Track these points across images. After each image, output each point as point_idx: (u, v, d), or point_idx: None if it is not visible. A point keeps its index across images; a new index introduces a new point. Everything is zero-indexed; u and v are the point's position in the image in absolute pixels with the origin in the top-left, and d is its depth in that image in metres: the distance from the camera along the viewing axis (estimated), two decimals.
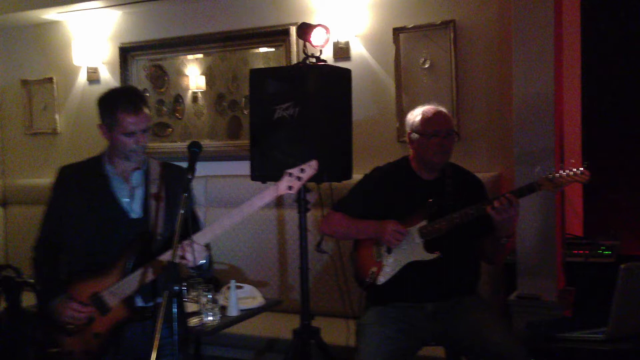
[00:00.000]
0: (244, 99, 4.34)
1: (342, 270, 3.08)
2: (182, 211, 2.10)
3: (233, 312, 3.05)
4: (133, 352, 2.31)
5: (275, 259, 4.00)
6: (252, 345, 3.58)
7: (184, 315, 2.46)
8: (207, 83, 4.50)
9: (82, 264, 2.30)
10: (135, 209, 2.33)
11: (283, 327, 3.46)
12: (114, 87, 2.48)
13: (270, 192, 2.18)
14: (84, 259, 2.30)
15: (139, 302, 2.29)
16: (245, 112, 4.34)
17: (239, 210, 2.20)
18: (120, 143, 2.28)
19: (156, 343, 1.92)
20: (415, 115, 2.62)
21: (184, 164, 2.27)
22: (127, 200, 2.33)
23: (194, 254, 2.14)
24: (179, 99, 4.58)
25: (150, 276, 2.22)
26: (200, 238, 2.21)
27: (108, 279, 2.24)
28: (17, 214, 4.99)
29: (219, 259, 4.11)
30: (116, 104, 2.28)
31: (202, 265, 2.26)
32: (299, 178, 2.16)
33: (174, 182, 2.40)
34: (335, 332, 3.21)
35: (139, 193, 2.35)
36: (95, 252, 2.28)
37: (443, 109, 2.64)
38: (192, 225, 2.20)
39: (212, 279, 3.73)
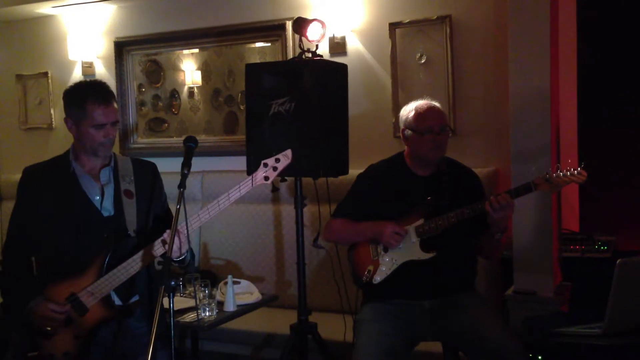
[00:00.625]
0: (240, 94, 4.33)
1: (339, 266, 3.07)
2: (178, 206, 2.10)
3: (230, 307, 3.05)
4: (112, 350, 2.29)
5: (272, 254, 3.99)
6: (249, 341, 3.58)
7: (163, 311, 2.45)
8: (203, 78, 4.48)
9: (55, 265, 2.26)
10: (106, 207, 2.30)
11: (280, 322, 3.46)
12: (81, 81, 2.45)
13: (247, 183, 2.17)
14: (56, 260, 2.27)
15: (117, 301, 2.27)
16: (242, 107, 4.33)
17: (216, 203, 2.19)
18: (89, 136, 2.24)
19: (153, 338, 1.91)
20: (408, 111, 2.61)
21: (180, 159, 2.25)
22: (98, 198, 2.29)
23: (179, 243, 2.14)
24: (174, 94, 4.56)
25: (133, 270, 2.19)
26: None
27: (84, 279, 2.20)
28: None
29: (215, 254, 4.11)
30: (85, 96, 2.24)
31: (184, 258, 2.25)
32: (274, 168, 2.16)
33: (144, 178, 2.40)
34: (332, 327, 3.21)
35: (109, 190, 2.32)
36: (68, 252, 2.24)
37: (436, 104, 2.62)
38: (166, 220, 2.24)
39: (209, 274, 3.75)
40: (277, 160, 2.16)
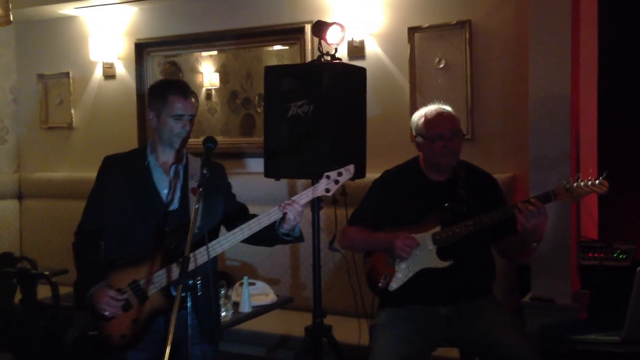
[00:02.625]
0: (257, 97, 4.36)
1: (355, 269, 3.07)
2: (196, 206, 2.13)
3: (245, 308, 3.07)
4: (161, 341, 2.32)
5: (287, 257, 4.00)
6: (263, 342, 3.59)
7: (218, 309, 2.53)
8: (221, 80, 4.51)
9: (120, 252, 2.37)
10: (173, 201, 2.39)
11: (295, 324, 3.47)
12: (164, 78, 2.62)
13: (308, 193, 2.26)
14: (123, 247, 2.37)
15: (174, 292, 2.32)
16: (259, 110, 4.35)
17: (273, 212, 2.26)
18: (168, 127, 2.37)
19: (170, 336, 1.94)
20: (418, 118, 2.59)
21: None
22: (166, 191, 2.40)
23: (294, 213, 2.24)
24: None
25: (190, 267, 2.24)
26: (237, 235, 2.27)
27: (147, 268, 2.30)
28: (33, 207, 5.04)
29: (231, 255, 4.13)
30: (168, 88, 2.42)
31: (295, 227, 2.33)
32: (336, 181, 2.24)
33: (213, 178, 2.43)
34: (347, 330, 3.21)
35: (178, 186, 2.41)
36: (134, 241, 2.35)
37: (447, 109, 2.58)
38: (242, 213, 2.39)
39: (224, 275, 3.76)
40: (340, 174, 2.25)
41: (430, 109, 2.58)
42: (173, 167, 2.43)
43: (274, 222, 2.27)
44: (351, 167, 2.25)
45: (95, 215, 2.45)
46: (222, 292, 3.02)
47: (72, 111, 4.97)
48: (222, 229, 2.47)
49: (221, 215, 2.46)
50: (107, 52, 4.71)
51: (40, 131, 5.13)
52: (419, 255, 2.47)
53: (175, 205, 2.39)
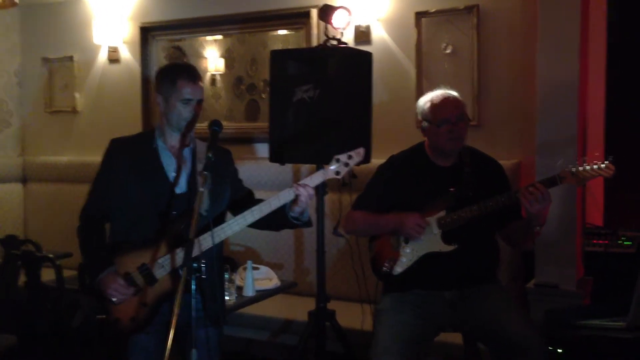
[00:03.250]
0: (262, 83, 4.34)
1: (359, 255, 3.07)
2: (201, 189, 2.13)
3: (249, 292, 3.08)
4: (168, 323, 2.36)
5: (291, 242, 4.00)
6: (267, 326, 3.60)
7: (222, 293, 2.54)
8: (226, 66, 4.49)
9: (127, 235, 2.37)
10: (180, 184, 2.39)
11: (298, 309, 3.48)
12: (173, 62, 2.62)
13: (318, 176, 2.25)
14: (130, 230, 2.37)
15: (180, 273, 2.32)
16: (264, 95, 4.33)
17: (287, 192, 2.25)
18: (176, 111, 2.36)
19: (174, 319, 1.94)
20: (424, 103, 2.58)
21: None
22: (174, 174, 2.39)
23: (306, 195, 2.23)
24: None
25: (205, 247, 2.26)
26: (248, 217, 2.27)
27: (156, 251, 2.30)
28: (36, 190, 5.05)
29: (235, 240, 4.13)
30: (176, 72, 2.41)
31: (304, 210, 2.32)
32: (346, 164, 2.23)
33: (220, 163, 2.45)
34: (350, 315, 3.22)
35: (185, 169, 2.41)
36: (142, 224, 2.35)
37: (453, 93, 2.57)
38: (249, 199, 2.38)
39: (228, 259, 3.77)
40: (350, 157, 2.24)
41: (436, 93, 2.57)
42: (182, 150, 2.42)
43: (284, 205, 2.27)
44: (361, 150, 2.24)
45: (101, 198, 2.44)
46: (226, 276, 3.02)
47: (76, 95, 4.95)
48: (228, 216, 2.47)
49: (228, 200, 2.46)
50: (111, 36, 4.69)
51: (45, 115, 5.12)
52: (424, 239, 2.47)
53: (182, 188, 2.39)
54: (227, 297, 2.98)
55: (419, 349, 2.40)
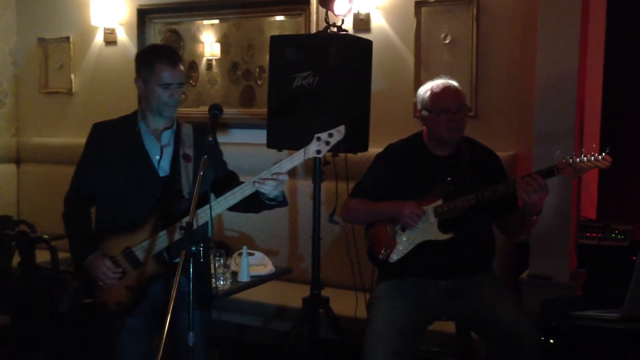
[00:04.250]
0: (258, 69, 4.32)
1: (354, 243, 3.08)
2: (200, 172, 2.12)
3: (244, 277, 3.08)
4: (157, 306, 2.38)
5: (286, 228, 4.01)
6: (260, 312, 3.61)
7: (209, 276, 2.51)
8: (222, 51, 4.47)
9: (112, 218, 2.37)
10: (163, 167, 2.39)
11: (292, 295, 3.49)
12: (152, 44, 2.59)
13: (299, 155, 2.22)
14: (115, 214, 2.37)
15: (166, 258, 2.34)
16: (259, 82, 4.32)
17: (268, 172, 2.22)
18: (156, 95, 2.34)
19: (172, 302, 1.94)
20: (424, 91, 2.58)
21: None
22: (157, 157, 2.39)
23: (270, 187, 2.20)
24: (193, 65, 4.55)
25: (179, 234, 2.27)
26: (230, 199, 2.26)
27: (140, 235, 2.30)
28: (30, 171, 5.02)
29: (230, 225, 4.13)
30: (155, 56, 2.38)
31: (277, 196, 2.31)
32: (327, 142, 2.20)
33: (204, 144, 2.43)
34: (344, 303, 3.23)
35: (168, 151, 2.40)
36: (126, 207, 2.35)
37: (453, 83, 2.57)
38: (231, 181, 2.34)
39: (222, 245, 3.78)
40: (330, 135, 2.20)
41: (437, 82, 2.57)
42: (164, 133, 2.41)
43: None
44: (342, 128, 2.20)
45: (85, 183, 2.43)
46: (221, 261, 3.02)
47: (72, 76, 4.92)
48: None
49: (211, 181, 2.43)
50: (108, 18, 4.65)
51: (40, 96, 5.08)
52: (420, 227, 2.48)
53: (166, 171, 2.38)
54: (221, 282, 2.98)
55: (413, 337, 2.40)
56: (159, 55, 2.37)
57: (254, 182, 2.21)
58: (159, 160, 2.38)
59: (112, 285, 2.32)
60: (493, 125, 3.62)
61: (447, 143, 2.57)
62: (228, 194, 2.25)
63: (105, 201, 2.40)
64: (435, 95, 2.52)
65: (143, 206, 2.32)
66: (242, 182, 2.32)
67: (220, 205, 2.27)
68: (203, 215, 2.25)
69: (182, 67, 2.39)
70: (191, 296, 2.08)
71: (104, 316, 2.38)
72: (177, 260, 2.30)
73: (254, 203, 2.32)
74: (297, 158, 2.21)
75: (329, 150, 2.23)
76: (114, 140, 2.40)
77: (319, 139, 2.20)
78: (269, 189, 2.21)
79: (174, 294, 1.96)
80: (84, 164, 2.46)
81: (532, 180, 2.29)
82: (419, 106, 2.61)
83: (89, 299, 2.38)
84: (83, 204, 2.45)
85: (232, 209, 2.32)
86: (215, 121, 2.27)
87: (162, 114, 2.38)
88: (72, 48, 4.87)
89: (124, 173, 2.35)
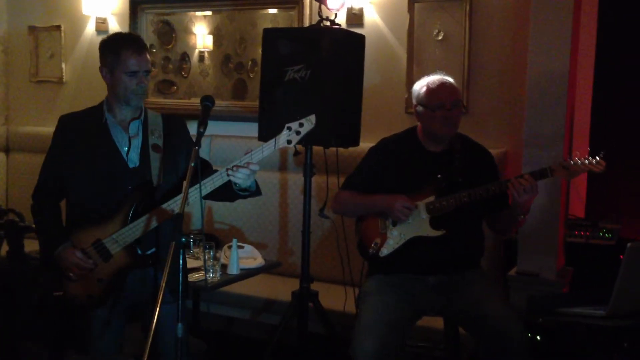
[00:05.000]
0: (250, 62, 4.31)
1: (344, 237, 3.09)
2: (192, 164, 2.11)
3: (234, 270, 3.08)
4: (131, 298, 2.37)
5: (276, 222, 4.01)
6: (249, 305, 3.62)
7: (185, 267, 2.48)
8: (215, 43, 4.45)
9: (83, 211, 2.34)
10: (132, 158, 2.35)
11: (281, 289, 3.50)
12: (116, 32, 2.55)
13: (269, 145, 2.19)
14: (85, 206, 2.34)
15: (138, 250, 2.32)
16: (251, 75, 4.31)
17: (239, 162, 2.20)
18: (122, 84, 2.30)
19: (161, 293, 1.93)
20: (420, 87, 2.58)
21: (188, 122, 2.25)
22: (126, 149, 2.35)
23: (242, 177, 2.17)
24: (185, 57, 4.53)
25: (153, 224, 2.25)
26: (206, 187, 2.22)
27: (109, 227, 2.28)
28: (20, 160, 4.99)
29: (220, 218, 4.13)
30: (120, 44, 2.33)
31: (250, 186, 2.28)
32: (297, 132, 2.17)
33: (173, 133, 2.44)
34: (333, 297, 3.24)
35: (136, 142, 2.37)
36: (96, 199, 2.31)
37: (449, 79, 2.58)
38: (204, 169, 2.24)
39: (212, 237, 3.76)
40: (301, 125, 2.18)
41: (433, 78, 2.57)
42: (132, 123, 2.37)
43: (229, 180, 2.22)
44: (312, 117, 2.18)
45: (54, 176, 2.40)
46: (211, 253, 3.02)
47: (63, 65, 4.88)
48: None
49: (183, 170, 2.41)
50: (100, 7, 4.62)
51: (30, 84, 5.04)
52: (411, 222, 2.49)
53: (135, 162, 2.35)
54: (210, 275, 2.98)
55: (402, 331, 2.42)
56: (124, 42, 2.33)
57: (227, 169, 2.18)
58: (128, 152, 2.35)
59: (82, 277, 2.29)
60: (484, 122, 3.63)
61: (441, 139, 2.57)
62: (202, 182, 2.19)
63: (74, 194, 2.37)
64: (430, 91, 2.53)
65: (113, 198, 2.29)
66: (216, 171, 2.26)
67: (193, 194, 2.21)
68: (174, 206, 2.23)
69: (148, 55, 2.35)
70: (180, 287, 2.07)
71: (74, 309, 2.35)
72: (150, 252, 2.32)
73: (228, 192, 2.29)
74: (267, 148, 2.18)
75: (299, 142, 2.22)
76: (81, 133, 2.36)
77: (289, 128, 2.17)
78: (241, 177, 2.18)
79: (163, 284, 1.94)
80: (52, 157, 2.42)
81: (524, 181, 2.32)
82: (414, 101, 2.62)
83: (58, 291, 2.34)
84: (52, 196, 2.42)
85: (207, 197, 2.28)
86: (207, 112, 2.25)
87: (130, 102, 2.33)
88: (63, 37, 4.84)
89: (92, 166, 2.32)
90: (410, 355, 2.91)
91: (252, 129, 3.22)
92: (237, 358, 3.57)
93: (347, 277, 3.07)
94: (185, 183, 2.10)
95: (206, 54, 4.48)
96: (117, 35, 2.40)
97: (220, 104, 4.35)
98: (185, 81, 4.55)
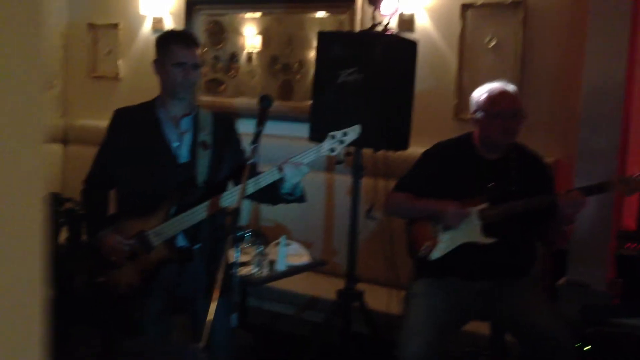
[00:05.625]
0: (297, 64, 4.37)
1: (390, 239, 3.12)
2: (250, 161, 2.18)
3: (281, 266, 3.14)
4: (171, 292, 2.43)
5: (322, 222, 4.06)
6: (294, 301, 3.67)
7: (226, 262, 2.55)
8: (263, 44, 4.53)
9: (130, 203, 2.41)
10: (182, 154, 2.41)
11: (325, 287, 3.53)
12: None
13: (312, 152, 2.26)
14: (131, 199, 2.41)
15: (182, 243, 2.39)
16: (298, 76, 4.37)
17: (272, 172, 2.27)
18: (171, 76, 2.36)
19: (217, 286, 2.00)
20: (481, 94, 2.59)
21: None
22: (177, 144, 2.41)
23: (292, 171, 2.23)
24: (234, 57, 4.63)
25: (198, 218, 2.31)
26: (258, 184, 2.28)
27: (153, 220, 2.34)
28: (76, 152, 5.16)
29: (266, 215, 4.19)
30: (171, 37, 2.44)
31: (297, 185, 2.32)
32: (341, 142, 2.23)
33: (223, 131, 2.50)
34: (377, 298, 3.26)
35: (187, 138, 2.43)
36: (143, 193, 2.38)
37: (511, 88, 2.58)
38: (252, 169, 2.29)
39: (258, 234, 3.84)
40: (345, 134, 2.24)
41: (495, 85, 2.58)
42: (183, 120, 2.43)
43: (277, 181, 2.27)
44: (357, 127, 2.23)
45: (104, 168, 2.49)
46: (260, 249, 3.09)
47: (119, 62, 5.04)
48: None
49: (229, 169, 2.47)
50: (157, 6, 4.75)
51: (88, 79, 5.21)
52: (463, 228, 2.50)
53: (184, 158, 2.41)
54: (257, 269, 3.05)
55: (448, 335, 2.43)
56: (175, 36, 2.43)
57: (278, 166, 2.23)
58: (178, 147, 2.41)
59: (121, 262, 2.35)
60: (535, 131, 3.59)
61: (498, 147, 2.57)
62: (249, 181, 2.24)
63: (123, 186, 2.44)
64: (492, 98, 2.53)
65: (160, 192, 2.35)
66: (261, 172, 2.31)
67: (235, 193, 2.27)
68: (225, 201, 2.28)
69: (197, 51, 2.41)
70: (232, 282, 2.14)
71: (115, 297, 2.43)
72: (197, 246, 2.39)
73: (273, 194, 2.33)
74: (309, 155, 2.25)
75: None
76: (134, 126, 2.43)
77: (333, 137, 2.23)
78: (289, 173, 2.22)
79: (219, 277, 2.00)
80: (104, 148, 2.51)
81: (573, 195, 2.34)
82: (473, 107, 2.61)
83: (101, 277, 2.41)
84: (101, 185, 2.50)
85: (251, 196, 2.33)
86: (266, 111, 2.32)
87: (177, 95, 2.39)
88: (120, 35, 4.99)
89: (142, 159, 2.38)
90: (454, 359, 2.92)
91: (297, 128, 3.26)
92: (280, 352, 3.63)
93: (392, 278, 3.10)
94: (244, 179, 2.17)
95: (254, 55, 4.56)
96: (170, 31, 2.54)
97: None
98: (233, 81, 4.64)
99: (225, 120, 2.55)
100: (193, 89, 2.45)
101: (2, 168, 0.55)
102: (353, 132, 2.23)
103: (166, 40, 2.42)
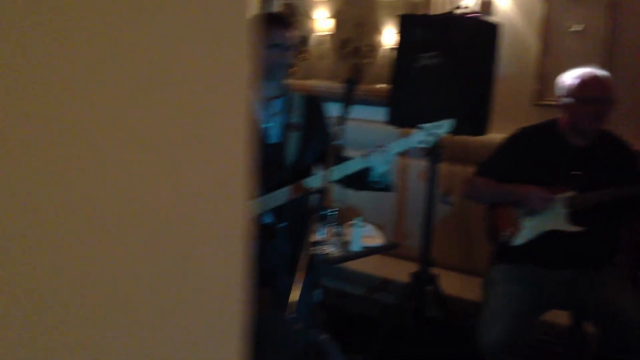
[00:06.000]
0: (366, 47, 4.36)
1: (465, 224, 3.10)
2: (335, 142, 2.21)
3: (355, 247, 3.17)
4: (263, 265, 2.47)
5: (394, 205, 4.07)
6: (365, 283, 3.71)
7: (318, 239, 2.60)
8: (334, 27, 4.54)
9: None
10: (272, 135, 2.44)
11: (396, 270, 3.56)
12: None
13: (403, 143, 2.27)
14: None
15: (268, 220, 2.43)
16: (368, 60, 4.37)
17: (359, 159, 2.29)
18: (265, 57, 2.36)
19: (305, 262, 2.05)
20: (572, 79, 2.53)
21: None
22: (270, 124, 2.43)
23: (379, 159, 2.25)
24: (304, 40, 4.66)
25: (287, 198, 2.34)
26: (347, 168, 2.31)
27: None
28: None
29: (339, 197, 4.23)
30: (267, 20, 2.43)
31: (385, 174, 2.33)
32: (432, 134, 2.23)
33: (313, 113, 2.52)
34: (450, 283, 3.26)
35: (277, 120, 2.45)
36: None
37: (603, 74, 2.51)
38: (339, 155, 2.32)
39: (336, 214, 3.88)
40: (436, 127, 2.24)
41: (586, 71, 2.52)
42: (275, 101, 2.44)
43: (364, 168, 2.28)
44: (449, 121, 2.22)
45: None
46: (337, 229, 3.13)
47: None
48: None
49: (318, 151, 2.48)
50: None
51: None
52: (548, 215, 2.47)
53: (274, 139, 2.42)
54: (333, 249, 3.10)
55: (528, 322, 2.42)
56: (270, 19, 2.44)
57: (366, 154, 2.25)
58: (269, 128, 2.43)
59: None
60: (621, 119, 3.47)
61: (586, 134, 2.52)
62: (335, 167, 2.25)
63: None
64: (584, 83, 2.48)
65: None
66: (347, 158, 2.33)
67: (327, 174, 2.25)
68: (311, 184, 2.31)
69: (292, 32, 2.39)
70: (316, 257, 2.18)
71: None
72: (282, 224, 2.42)
73: (359, 181, 2.34)
74: (398, 146, 2.27)
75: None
76: None
77: (423, 129, 2.23)
78: (375, 161, 2.24)
79: (307, 254, 2.05)
80: None
81: None
82: (561, 92, 2.56)
83: None
84: None
85: (339, 181, 2.35)
86: (352, 93, 2.33)
87: (272, 77, 2.39)
88: None
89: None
90: (529, 348, 2.89)
91: (368, 112, 3.26)
92: (352, 331, 3.68)
93: (466, 263, 3.09)
94: (328, 159, 2.20)
95: (325, 38, 4.58)
96: (266, 13, 2.53)
97: (337, 87, 4.45)
98: (303, 63, 4.68)
99: (315, 103, 2.56)
100: (287, 71, 2.47)
101: (209, 168, 0.57)
102: (444, 126, 2.23)
103: (265, 22, 2.43)
